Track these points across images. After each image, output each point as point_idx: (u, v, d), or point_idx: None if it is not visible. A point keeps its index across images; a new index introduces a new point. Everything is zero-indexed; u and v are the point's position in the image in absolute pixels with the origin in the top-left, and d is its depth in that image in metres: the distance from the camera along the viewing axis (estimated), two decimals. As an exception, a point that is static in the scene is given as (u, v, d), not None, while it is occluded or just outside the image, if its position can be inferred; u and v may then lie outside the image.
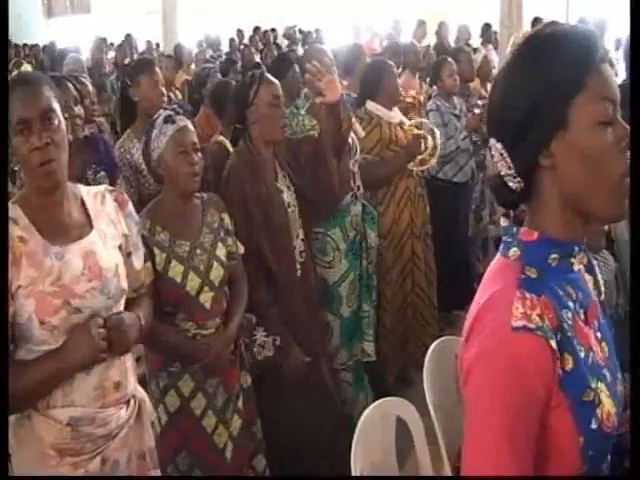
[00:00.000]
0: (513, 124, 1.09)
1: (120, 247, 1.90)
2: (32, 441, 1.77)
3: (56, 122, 1.73)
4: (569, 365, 1.04)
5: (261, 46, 10.62)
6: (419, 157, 3.73)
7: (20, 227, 1.73)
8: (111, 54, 10.29)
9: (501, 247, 1.15)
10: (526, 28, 6.66)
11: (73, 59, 5.86)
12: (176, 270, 2.32)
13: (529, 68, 1.08)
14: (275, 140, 2.85)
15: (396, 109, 3.84)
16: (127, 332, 1.81)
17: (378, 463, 2.06)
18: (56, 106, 1.75)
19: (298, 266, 2.89)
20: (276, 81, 2.89)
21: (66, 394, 1.76)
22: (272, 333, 2.71)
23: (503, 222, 1.18)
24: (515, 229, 1.13)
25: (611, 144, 1.05)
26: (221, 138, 3.65)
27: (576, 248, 1.12)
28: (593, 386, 1.06)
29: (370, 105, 3.73)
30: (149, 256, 2.26)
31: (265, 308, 2.73)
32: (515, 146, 1.09)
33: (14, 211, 1.76)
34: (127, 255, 1.93)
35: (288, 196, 2.89)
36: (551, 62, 1.07)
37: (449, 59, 4.67)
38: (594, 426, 1.05)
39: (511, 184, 1.11)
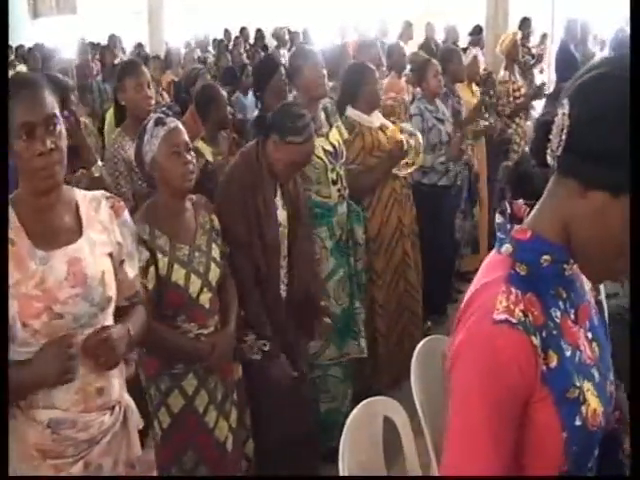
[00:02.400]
0: (594, 152, 1.00)
1: (111, 255, 1.87)
2: (16, 440, 1.75)
3: (59, 127, 1.73)
4: (553, 362, 1.05)
5: (247, 47, 10.58)
6: (402, 161, 3.73)
7: (10, 229, 1.73)
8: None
9: (496, 243, 1.15)
10: (512, 30, 6.68)
11: (66, 60, 5.89)
12: (179, 274, 2.33)
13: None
14: (281, 178, 2.84)
15: (376, 112, 3.81)
16: (115, 347, 1.78)
17: (366, 462, 2.07)
18: (57, 111, 1.74)
19: (283, 287, 2.88)
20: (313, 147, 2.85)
21: (46, 395, 1.74)
22: (261, 337, 2.71)
23: (498, 218, 1.16)
24: (509, 226, 1.13)
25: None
26: (199, 144, 3.60)
27: (571, 258, 1.10)
28: (578, 384, 1.07)
29: (350, 112, 3.68)
30: (152, 261, 2.29)
31: (256, 312, 2.72)
32: (582, 161, 1.02)
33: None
34: (120, 263, 1.90)
35: (281, 214, 2.87)
36: None
37: (433, 60, 4.61)
38: (578, 423, 1.06)
39: (549, 157, 1.07)
